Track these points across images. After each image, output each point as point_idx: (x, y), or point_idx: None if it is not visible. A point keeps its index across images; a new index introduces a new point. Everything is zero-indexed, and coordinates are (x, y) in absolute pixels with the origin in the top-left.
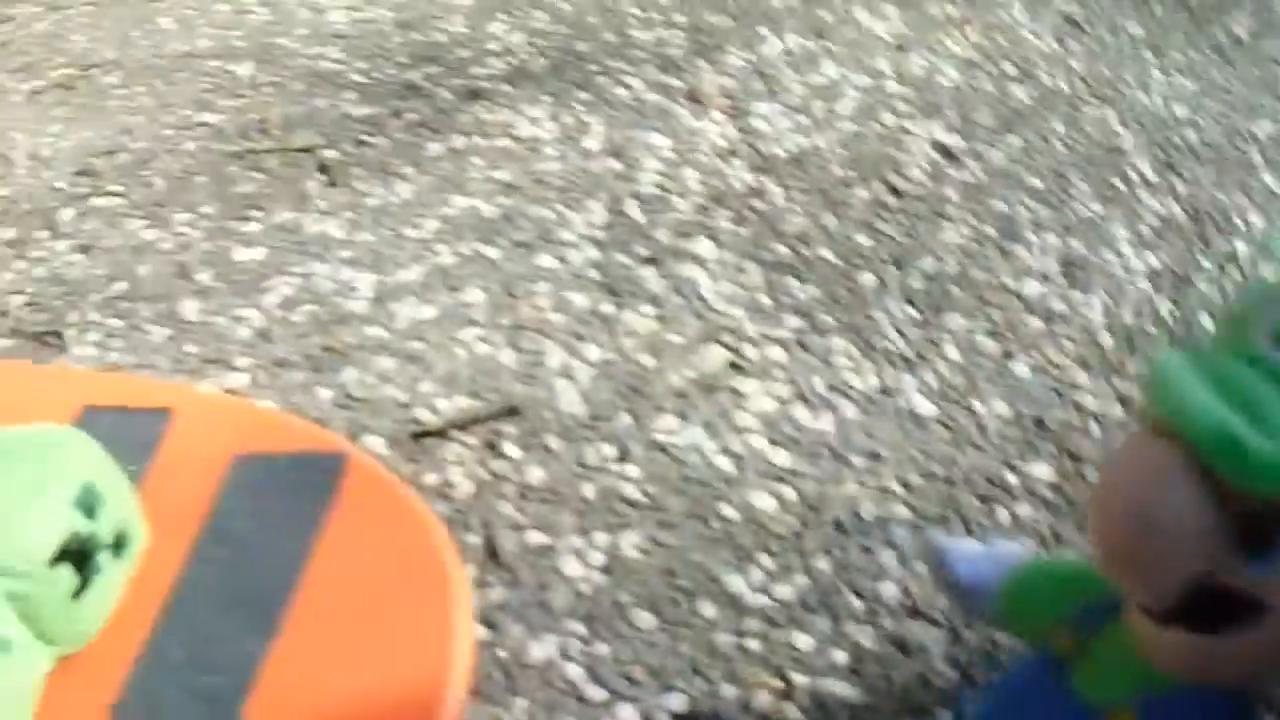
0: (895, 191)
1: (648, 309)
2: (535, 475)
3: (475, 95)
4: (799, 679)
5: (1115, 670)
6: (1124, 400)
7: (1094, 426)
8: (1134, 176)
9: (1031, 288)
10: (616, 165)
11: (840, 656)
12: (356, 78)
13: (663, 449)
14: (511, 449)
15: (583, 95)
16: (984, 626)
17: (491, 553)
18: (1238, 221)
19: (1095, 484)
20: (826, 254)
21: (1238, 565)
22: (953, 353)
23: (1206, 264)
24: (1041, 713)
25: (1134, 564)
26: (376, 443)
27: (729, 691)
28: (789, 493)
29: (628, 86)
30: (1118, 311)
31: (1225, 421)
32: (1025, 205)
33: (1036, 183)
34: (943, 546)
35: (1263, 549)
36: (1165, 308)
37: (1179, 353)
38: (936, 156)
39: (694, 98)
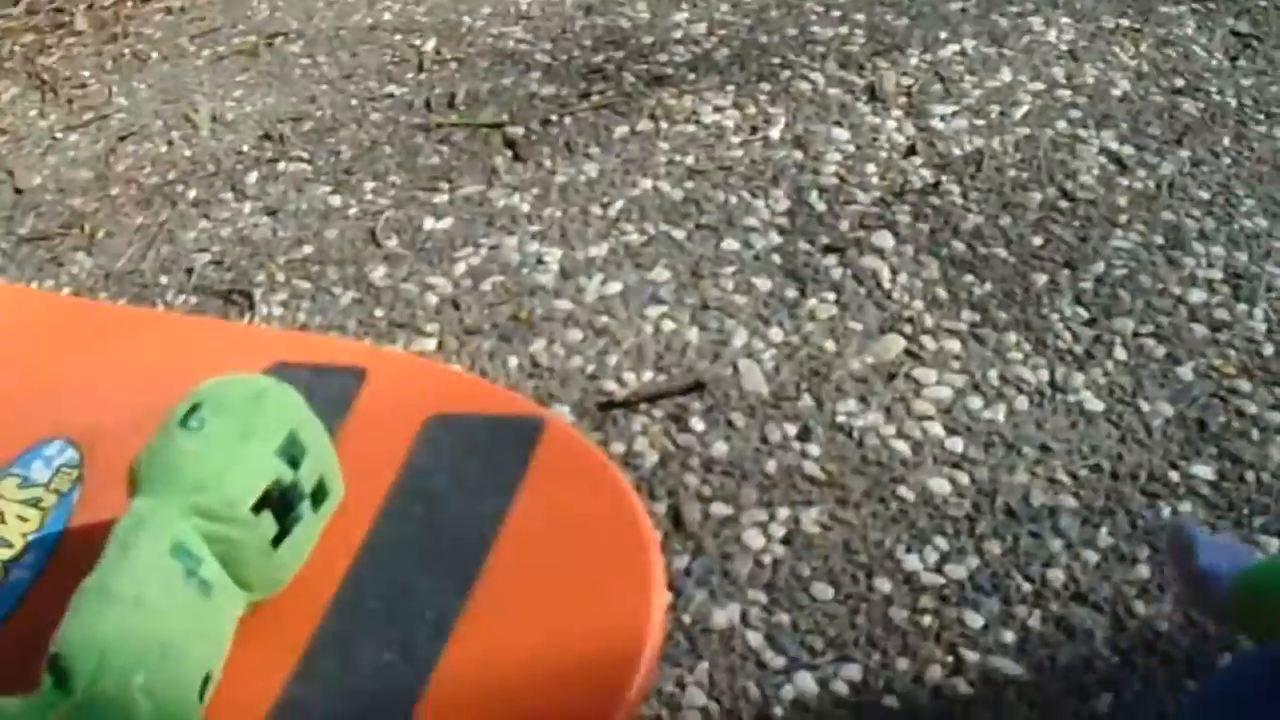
0: (1067, 195)
1: (829, 295)
2: (719, 449)
3: (659, 81)
4: (969, 655)
5: None
6: None
7: (1254, 431)
8: None
9: (1197, 296)
10: (799, 155)
11: (1008, 636)
12: (541, 58)
13: (843, 430)
14: (697, 423)
15: (765, 86)
16: (1148, 621)
17: (676, 521)
18: None
19: None
20: (1001, 252)
21: None
22: (1120, 353)
23: None
24: (1271, 713)
25: None
26: (563, 412)
27: (902, 664)
28: (963, 478)
29: (809, 80)
30: None
31: None
32: (1192, 216)
33: (1204, 194)
34: (1192, 532)
35: None
36: None
37: None
38: (1107, 163)
39: (874, 95)
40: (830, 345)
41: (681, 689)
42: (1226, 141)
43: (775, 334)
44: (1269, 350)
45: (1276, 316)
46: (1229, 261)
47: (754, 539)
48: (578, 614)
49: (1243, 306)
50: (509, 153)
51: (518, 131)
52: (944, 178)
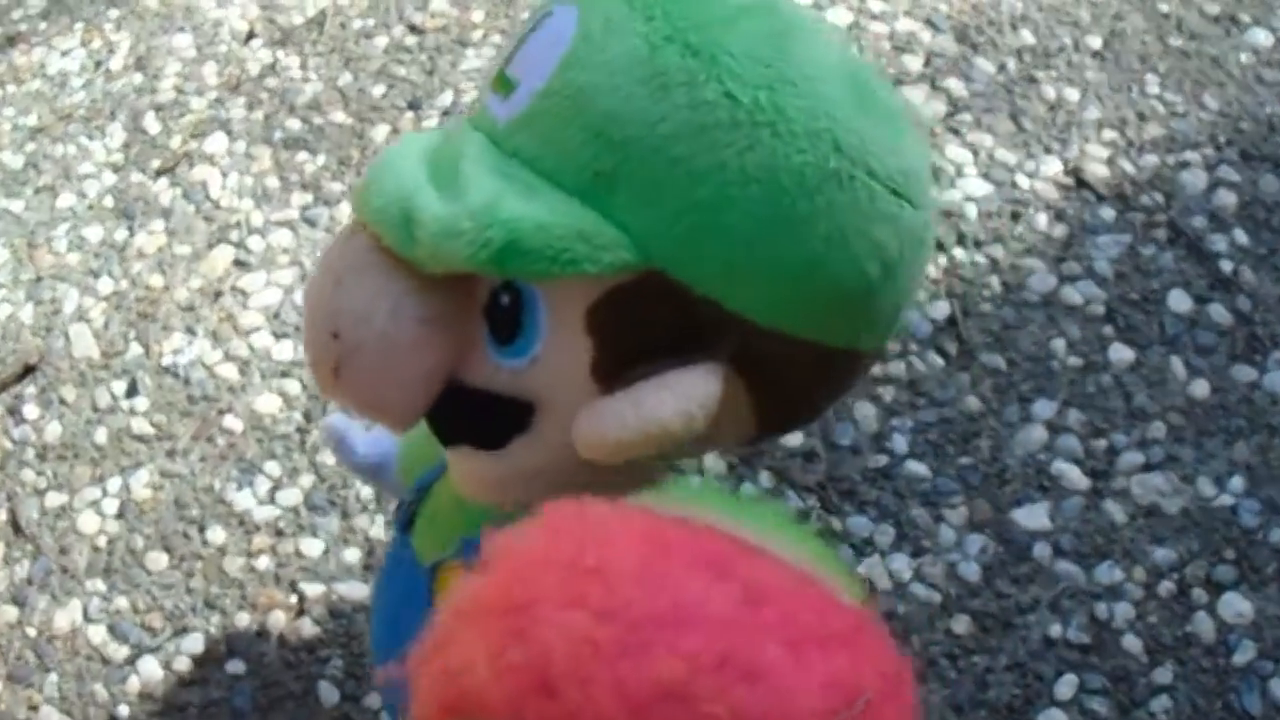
0: (415, 29)
1: (157, 224)
2: (53, 433)
3: (12, 41)
4: (311, 589)
5: (439, 524)
6: None
7: None
8: None
9: None
10: (139, 79)
11: (351, 555)
12: None
13: (170, 372)
14: (31, 410)
15: (114, 11)
16: None
17: (15, 526)
18: None
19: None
20: (338, 116)
21: (482, 362)
22: None
23: None
24: (397, 585)
25: (350, 381)
26: None
27: (244, 620)
28: (292, 387)
29: None
30: None
31: (403, 193)
32: None
33: None
34: (340, 429)
35: (510, 338)
36: None
37: (412, 135)
38: None
39: None
40: (158, 280)
41: (35, 710)
42: None
43: (105, 285)
44: None
45: None
46: None
47: (89, 522)
48: None
49: None
50: None
51: None
52: (282, 53)
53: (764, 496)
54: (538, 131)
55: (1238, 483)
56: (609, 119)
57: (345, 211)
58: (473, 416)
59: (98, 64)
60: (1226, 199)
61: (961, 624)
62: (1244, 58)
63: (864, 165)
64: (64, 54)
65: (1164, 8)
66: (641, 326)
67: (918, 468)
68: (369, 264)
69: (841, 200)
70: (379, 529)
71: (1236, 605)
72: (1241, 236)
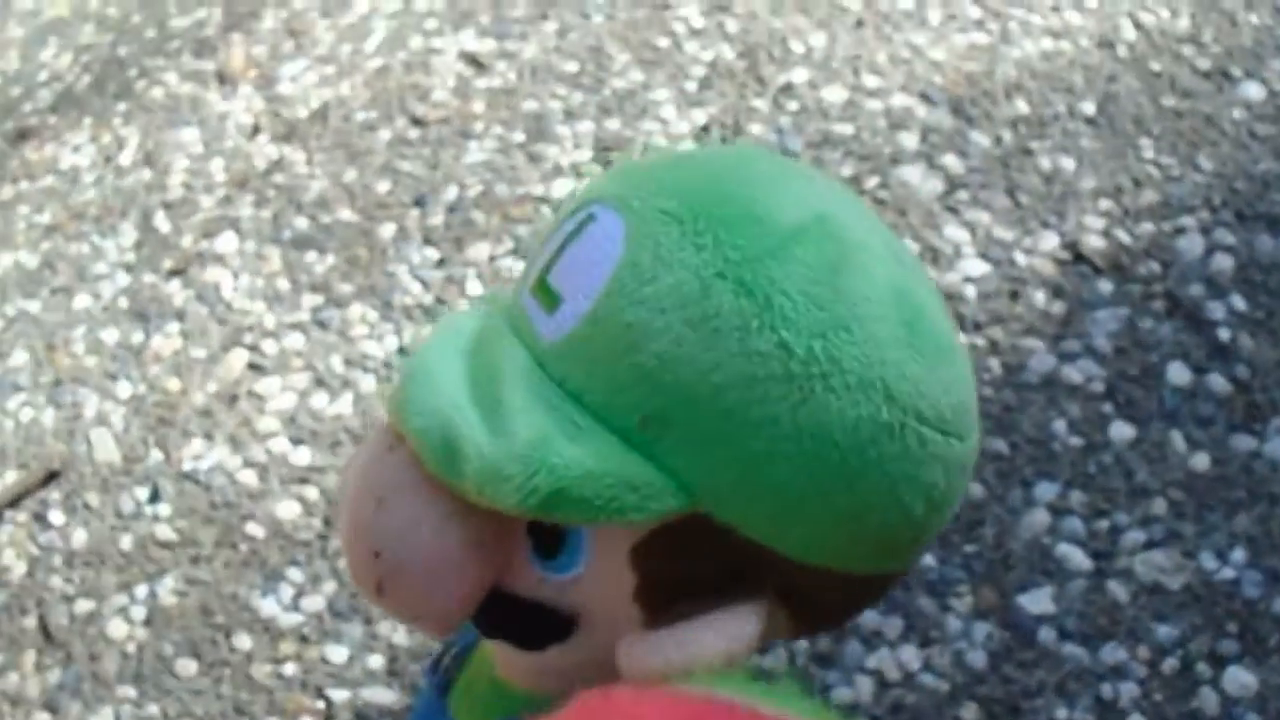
0: (418, 122)
1: (172, 327)
2: (79, 539)
3: (24, 136)
4: (337, 695)
5: (477, 698)
6: None
7: None
8: (680, 29)
9: (561, 189)
10: (147, 175)
11: (375, 661)
12: None
13: (190, 478)
14: (56, 516)
15: (121, 105)
16: None
17: (45, 633)
18: (796, 48)
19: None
20: (345, 214)
21: (527, 572)
22: (474, 287)
23: (760, 104)
24: None
25: (393, 597)
26: None
27: None
28: (311, 493)
29: (162, 83)
30: None
31: (444, 417)
32: (557, 96)
33: (570, 67)
34: None
35: (554, 554)
36: None
37: (449, 321)
38: (464, 69)
39: (223, 78)
40: (175, 384)
41: None
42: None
43: (123, 389)
44: None
45: None
46: (599, 134)
47: (117, 629)
48: None
49: None
50: None
51: None
52: (287, 148)
53: (781, 675)
54: (584, 360)
55: (1239, 555)
56: (659, 361)
57: (355, 314)
58: (516, 622)
59: (107, 159)
60: (1223, 263)
61: (970, 711)
62: (1236, 114)
63: (915, 411)
64: (75, 149)
65: (1155, 66)
66: (686, 564)
67: (924, 558)
68: (410, 483)
69: (893, 450)
70: (401, 635)
71: (1240, 678)
72: (1239, 302)
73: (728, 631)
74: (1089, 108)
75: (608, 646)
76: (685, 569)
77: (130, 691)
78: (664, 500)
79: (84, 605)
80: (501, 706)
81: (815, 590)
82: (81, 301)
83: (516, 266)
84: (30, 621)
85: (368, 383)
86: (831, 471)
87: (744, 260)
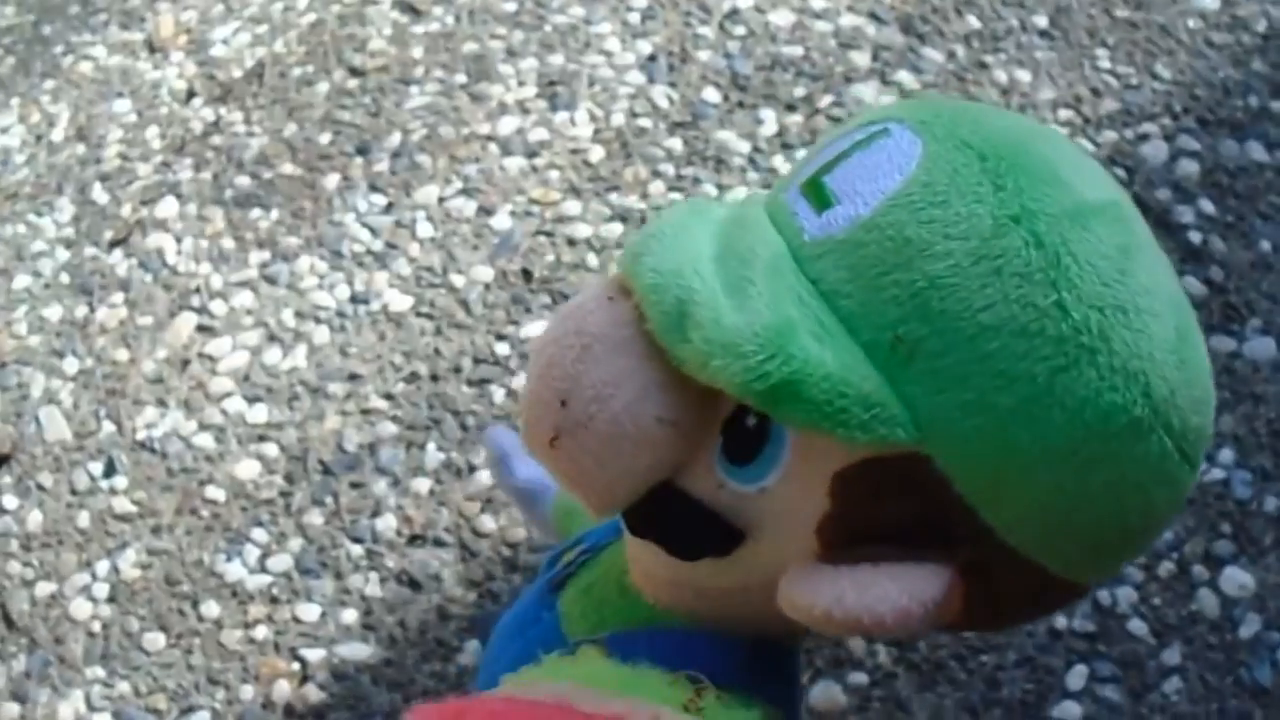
0: (356, 72)
1: (117, 297)
2: (34, 520)
3: None
4: (313, 654)
5: (597, 602)
6: (624, 217)
7: (591, 257)
8: None
9: (508, 125)
10: (81, 149)
11: (349, 616)
12: None
13: (146, 447)
14: (10, 500)
15: (49, 83)
16: (501, 535)
17: (7, 620)
18: None
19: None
20: (287, 168)
21: (709, 474)
22: (425, 229)
23: (706, 31)
24: (531, 644)
25: (564, 454)
26: None
27: (248, 692)
28: (270, 450)
29: (90, 58)
30: (607, 118)
31: (683, 280)
32: (497, 36)
33: (509, 6)
34: (504, 448)
35: (745, 461)
36: (661, 94)
37: (700, 201)
38: (400, 16)
39: (153, 47)
40: (124, 354)
41: None
42: None
43: (70, 365)
44: (597, 155)
45: (602, 112)
46: (542, 70)
47: (80, 609)
48: None
49: (562, 114)
50: None
51: None
52: (224, 109)
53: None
54: (847, 265)
55: (1227, 455)
56: (930, 284)
57: (304, 265)
58: (678, 524)
59: (38, 138)
60: (1189, 168)
61: None
62: (1191, 23)
63: (1164, 419)
64: (3, 130)
65: None
66: (888, 506)
67: None
68: (624, 340)
69: (1134, 451)
70: (374, 587)
71: (1238, 578)
72: (1207, 205)
73: (911, 586)
74: (1042, 21)
75: (766, 574)
76: (885, 511)
77: (99, 671)
78: (893, 428)
79: (45, 588)
80: (624, 614)
81: (1003, 576)
82: (21, 281)
83: (468, 206)
84: None
85: (321, 333)
86: (1070, 449)
87: (1041, 213)
